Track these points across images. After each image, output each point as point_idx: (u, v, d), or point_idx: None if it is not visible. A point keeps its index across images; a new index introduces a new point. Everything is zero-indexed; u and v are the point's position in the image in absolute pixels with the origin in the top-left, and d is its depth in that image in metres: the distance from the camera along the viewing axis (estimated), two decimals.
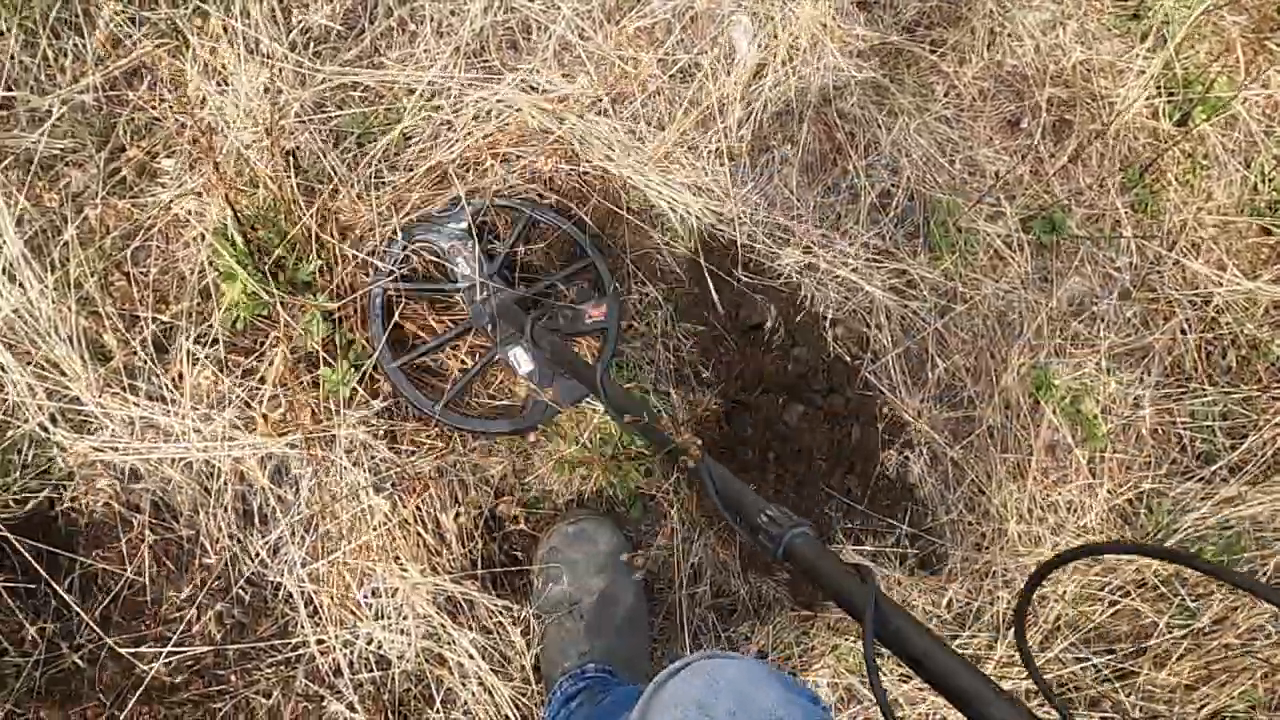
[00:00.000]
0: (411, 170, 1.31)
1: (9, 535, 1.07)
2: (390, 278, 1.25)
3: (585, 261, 1.35)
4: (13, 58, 1.23)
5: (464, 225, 1.29)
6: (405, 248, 1.29)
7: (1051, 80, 1.62)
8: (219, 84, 1.24)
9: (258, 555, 1.18)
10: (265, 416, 1.17)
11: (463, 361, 1.32)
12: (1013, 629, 0.70)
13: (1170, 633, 1.28)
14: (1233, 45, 1.68)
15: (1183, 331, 1.55)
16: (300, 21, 1.31)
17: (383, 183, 1.29)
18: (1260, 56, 1.70)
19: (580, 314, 1.31)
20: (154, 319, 1.19)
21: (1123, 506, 1.46)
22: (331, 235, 1.22)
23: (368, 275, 1.25)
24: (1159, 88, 1.63)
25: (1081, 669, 1.29)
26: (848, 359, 1.41)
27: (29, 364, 1.12)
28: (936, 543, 1.38)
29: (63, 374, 1.14)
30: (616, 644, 1.22)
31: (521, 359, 1.27)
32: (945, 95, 1.57)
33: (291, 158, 1.25)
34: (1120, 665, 1.30)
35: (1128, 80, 1.65)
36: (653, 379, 1.34)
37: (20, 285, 1.13)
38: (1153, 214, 1.60)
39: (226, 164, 1.18)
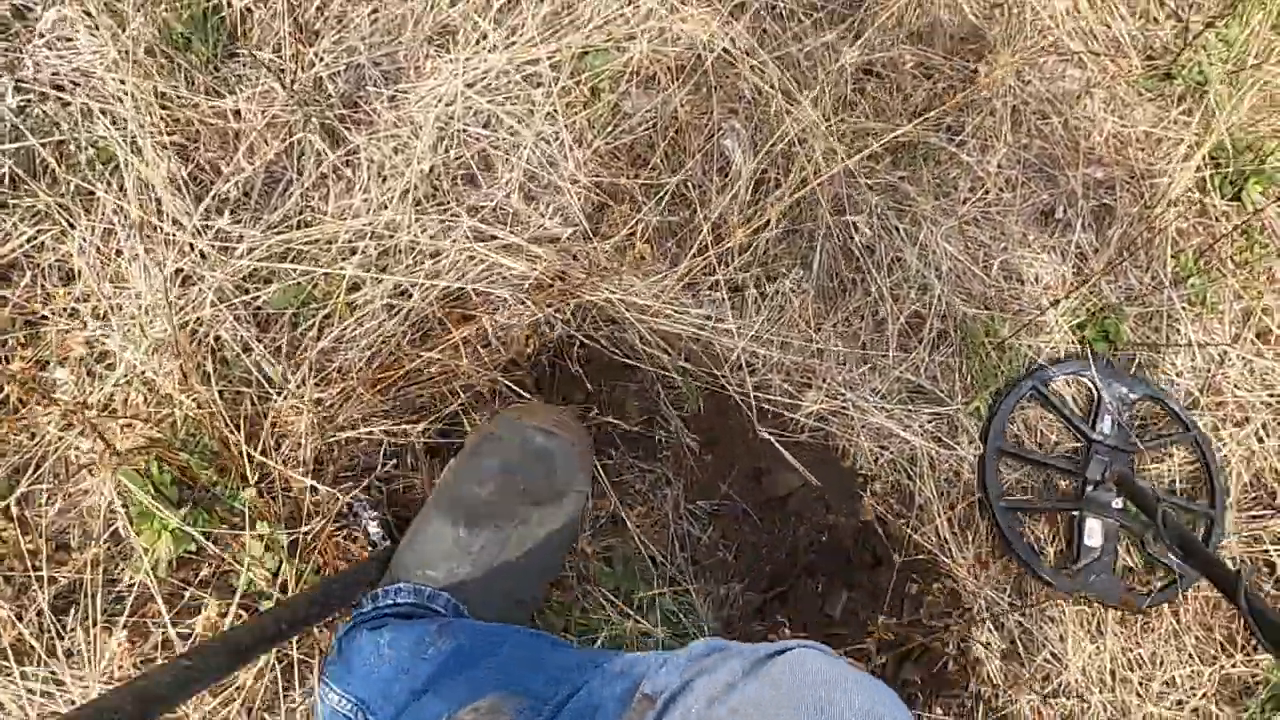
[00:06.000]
0: (369, 350, 1.09)
1: None
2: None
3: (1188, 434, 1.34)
4: None
5: (1140, 395, 1.33)
6: (1042, 384, 1.31)
7: (1085, 159, 1.43)
8: (114, 281, 1.01)
9: None
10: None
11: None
12: None
13: None
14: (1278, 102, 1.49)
15: (1260, 439, 1.36)
16: (213, 185, 1.09)
17: (327, 374, 1.07)
18: None
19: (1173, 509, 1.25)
20: (51, 579, 0.96)
21: (1214, 656, 1.26)
22: (268, 452, 1.00)
23: (316, 494, 1.03)
24: (1205, 158, 1.44)
25: None
26: (890, 519, 1.20)
27: None
28: None
29: None
30: (502, 589, 0.95)
31: (1094, 531, 1.25)
32: (970, 191, 1.37)
33: (213, 356, 1.03)
34: None
35: (1167, 150, 1.46)
36: (669, 575, 1.12)
37: None
38: (1212, 305, 1.41)
39: (126, 392, 0.96)
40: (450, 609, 0.90)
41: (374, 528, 1.06)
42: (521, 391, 1.08)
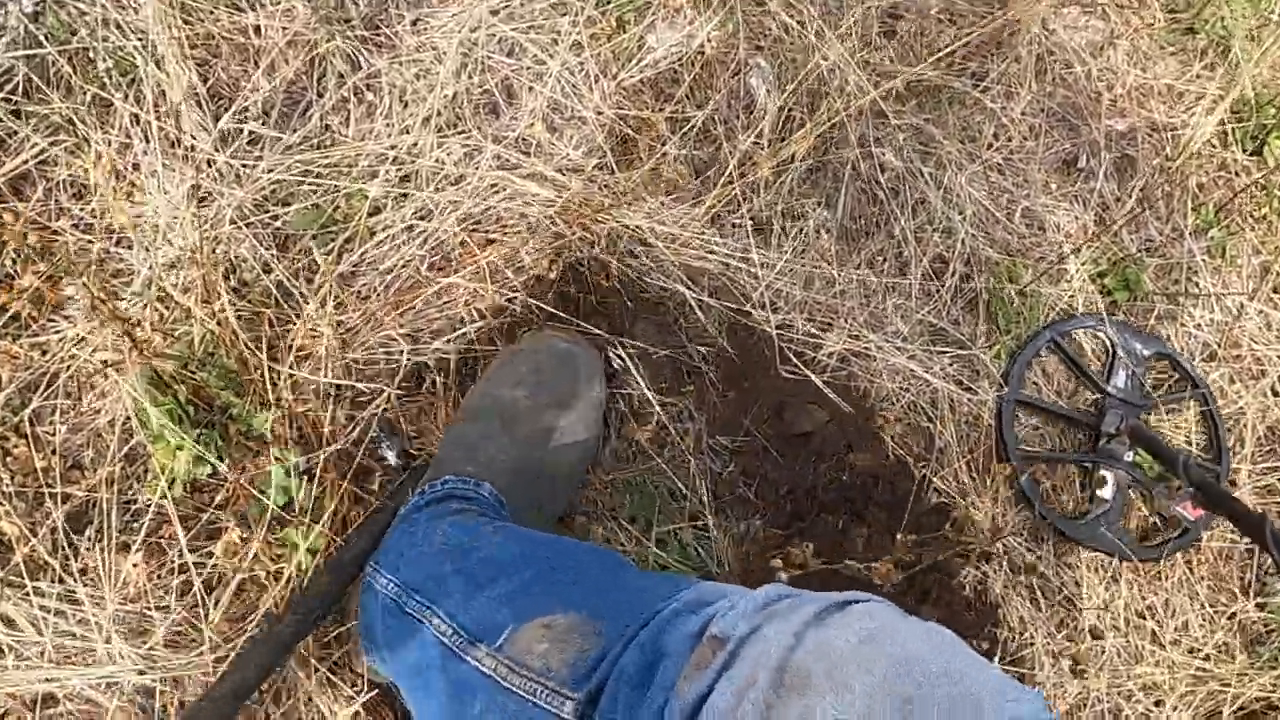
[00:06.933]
0: (390, 274, 1.07)
1: None
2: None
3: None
4: None
5: (1152, 351, 1.33)
6: (1060, 336, 1.30)
7: (1107, 111, 1.42)
8: (130, 192, 0.99)
9: None
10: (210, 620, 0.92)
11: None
12: None
13: None
14: None
15: (1275, 393, 1.36)
16: (232, 103, 1.06)
17: (347, 296, 1.05)
18: None
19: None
20: (64, 496, 0.94)
21: (1227, 604, 1.26)
22: (290, 368, 0.98)
23: (334, 418, 1.01)
24: (1228, 111, 1.44)
25: None
26: (911, 461, 1.20)
27: None
28: (1030, 675, 1.18)
29: None
30: (530, 496, 0.97)
31: (1107, 483, 1.26)
32: (994, 137, 1.35)
33: (232, 275, 1.01)
34: None
35: (1189, 104, 1.45)
36: (690, 509, 1.11)
37: None
38: (1230, 259, 1.40)
39: (143, 301, 0.93)
40: (493, 498, 0.91)
41: (392, 456, 1.05)
42: (550, 310, 1.07)
